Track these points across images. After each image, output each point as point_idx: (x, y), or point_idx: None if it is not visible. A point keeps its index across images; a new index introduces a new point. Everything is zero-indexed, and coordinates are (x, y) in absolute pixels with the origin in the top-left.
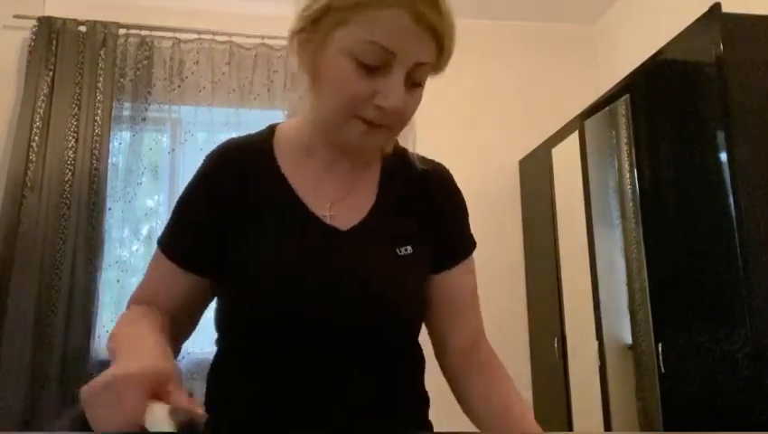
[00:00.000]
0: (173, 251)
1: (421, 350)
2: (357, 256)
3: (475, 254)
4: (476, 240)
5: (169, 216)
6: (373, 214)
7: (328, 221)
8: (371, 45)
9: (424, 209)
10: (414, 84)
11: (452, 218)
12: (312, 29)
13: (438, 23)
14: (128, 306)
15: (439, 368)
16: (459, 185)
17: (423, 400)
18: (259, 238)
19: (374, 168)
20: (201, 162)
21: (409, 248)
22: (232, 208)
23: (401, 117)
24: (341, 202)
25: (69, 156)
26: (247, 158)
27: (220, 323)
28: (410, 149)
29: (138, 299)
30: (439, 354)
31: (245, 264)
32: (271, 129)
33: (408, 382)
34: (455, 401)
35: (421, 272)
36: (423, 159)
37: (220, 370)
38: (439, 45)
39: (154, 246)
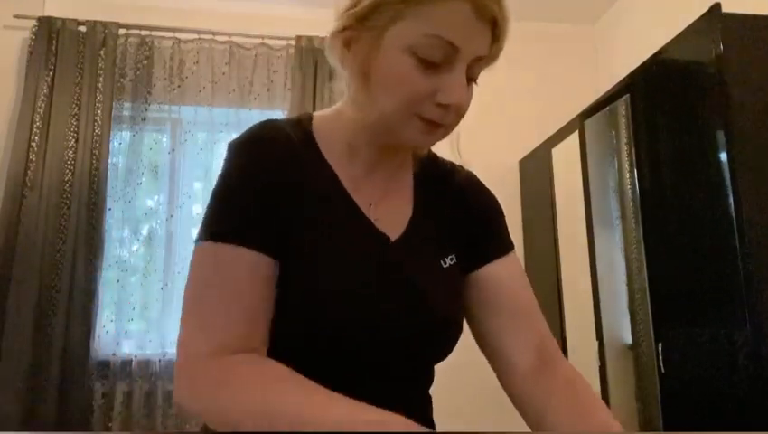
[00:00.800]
0: (260, 237)
1: None
2: (407, 269)
3: None
4: None
5: (216, 207)
6: (414, 223)
7: (379, 226)
8: (434, 39)
9: (458, 213)
10: (469, 80)
11: (485, 217)
12: (359, 27)
13: (499, 15)
14: (210, 355)
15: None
16: None
17: (428, 402)
18: (317, 238)
19: (407, 171)
20: (241, 145)
21: (454, 257)
22: (292, 199)
23: (459, 115)
24: (377, 205)
25: (69, 156)
26: (296, 150)
27: None
28: (455, 147)
29: (231, 335)
30: (504, 377)
31: (301, 265)
32: (307, 121)
33: (417, 387)
34: (455, 402)
35: (462, 281)
36: (450, 162)
37: None
38: (495, 37)
39: (154, 246)
